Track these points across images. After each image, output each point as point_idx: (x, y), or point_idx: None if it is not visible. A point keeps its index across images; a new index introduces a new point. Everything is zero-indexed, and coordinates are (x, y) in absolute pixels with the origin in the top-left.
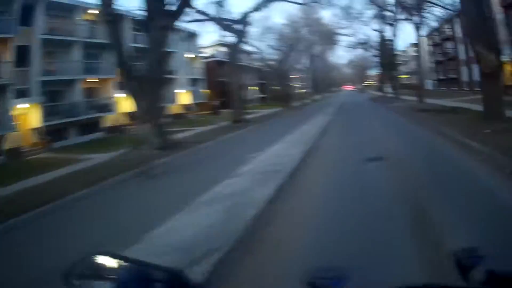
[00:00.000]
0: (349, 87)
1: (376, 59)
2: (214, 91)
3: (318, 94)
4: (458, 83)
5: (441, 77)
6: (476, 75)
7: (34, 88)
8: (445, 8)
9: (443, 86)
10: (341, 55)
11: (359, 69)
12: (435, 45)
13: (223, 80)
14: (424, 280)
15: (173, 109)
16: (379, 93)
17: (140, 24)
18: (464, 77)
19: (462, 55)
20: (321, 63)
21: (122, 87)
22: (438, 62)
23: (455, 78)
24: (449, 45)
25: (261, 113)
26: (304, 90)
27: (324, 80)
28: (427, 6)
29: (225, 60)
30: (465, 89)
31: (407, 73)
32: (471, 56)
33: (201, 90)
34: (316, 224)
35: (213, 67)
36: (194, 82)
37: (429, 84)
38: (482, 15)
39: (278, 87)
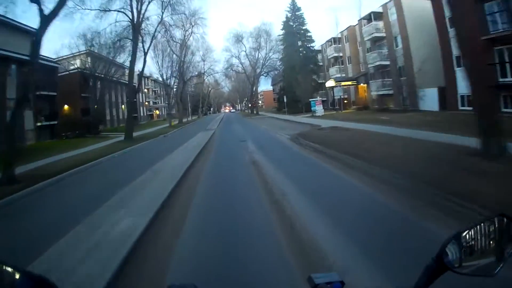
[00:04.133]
0: (228, 109)
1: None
2: None
3: (177, 118)
4: None
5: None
6: None
7: None
8: None
9: None
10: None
11: (242, 82)
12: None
13: None
14: None
15: None
16: (288, 118)
17: None
18: None
19: None
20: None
21: None
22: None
23: None
24: None
25: None
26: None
27: (193, 98)
28: None
29: None
30: None
31: (352, 79)
32: None
33: None
34: None
35: None
36: None
37: (431, 97)
38: None
39: None
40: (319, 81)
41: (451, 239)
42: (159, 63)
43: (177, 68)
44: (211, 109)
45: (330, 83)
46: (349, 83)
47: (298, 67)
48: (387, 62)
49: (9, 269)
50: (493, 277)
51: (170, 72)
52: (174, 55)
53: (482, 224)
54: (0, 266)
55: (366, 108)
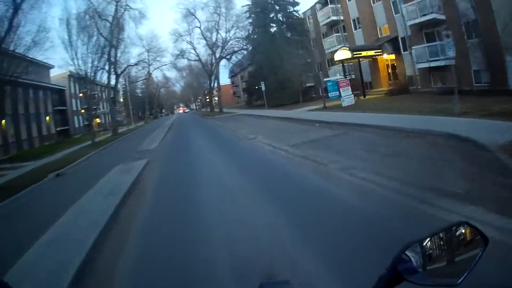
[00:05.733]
0: (183, 109)
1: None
2: None
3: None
4: None
5: None
6: None
7: None
8: None
9: None
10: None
11: (196, 76)
12: None
13: None
14: None
15: None
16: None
17: None
18: None
19: None
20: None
21: None
22: None
23: None
24: None
25: None
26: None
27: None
28: None
29: None
30: None
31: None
32: None
33: None
34: None
35: None
36: None
37: None
38: None
39: None
40: (308, 60)
41: (407, 247)
42: (71, 44)
43: (101, 55)
44: (163, 111)
45: (341, 55)
46: (372, 52)
47: (279, 41)
48: (442, 16)
49: None
50: (456, 287)
51: (91, 61)
52: (101, 38)
53: (443, 231)
54: None
55: (405, 91)
